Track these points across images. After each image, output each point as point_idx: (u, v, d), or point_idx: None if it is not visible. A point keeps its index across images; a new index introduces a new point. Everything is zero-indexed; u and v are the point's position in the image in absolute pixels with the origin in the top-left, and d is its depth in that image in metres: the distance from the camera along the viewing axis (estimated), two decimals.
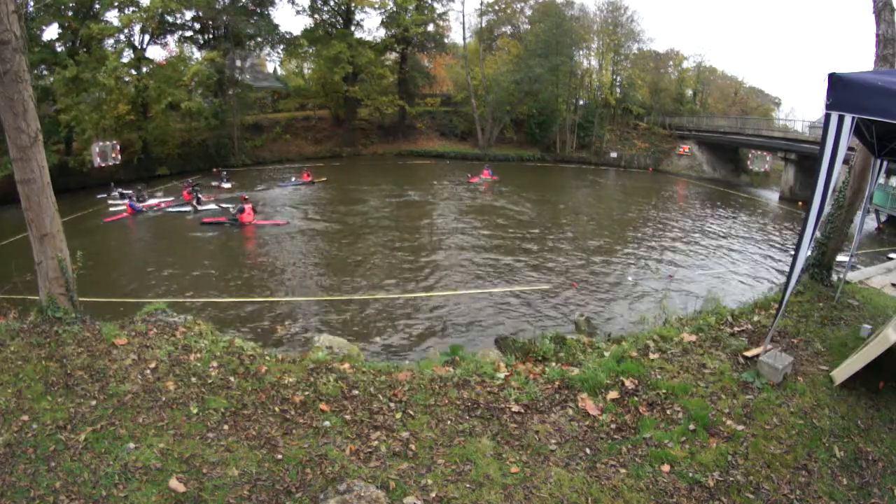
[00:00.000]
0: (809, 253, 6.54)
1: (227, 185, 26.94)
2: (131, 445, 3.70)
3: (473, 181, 30.14)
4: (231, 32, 33.67)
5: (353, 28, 39.99)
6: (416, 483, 3.61)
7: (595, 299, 13.21)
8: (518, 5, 48.16)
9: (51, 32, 28.12)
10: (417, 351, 9.83)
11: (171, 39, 34.98)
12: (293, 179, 28.69)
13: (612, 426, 4.24)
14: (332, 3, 40.08)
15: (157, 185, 27.43)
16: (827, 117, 3.87)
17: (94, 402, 4.06)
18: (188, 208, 21.51)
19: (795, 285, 5.76)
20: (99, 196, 23.08)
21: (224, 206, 21.96)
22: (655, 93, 47.39)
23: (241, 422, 4.08)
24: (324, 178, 29.94)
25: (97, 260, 14.40)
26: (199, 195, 21.90)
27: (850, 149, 4.64)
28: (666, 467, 3.79)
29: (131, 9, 29.70)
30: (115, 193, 22.91)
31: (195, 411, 4.11)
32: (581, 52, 45.72)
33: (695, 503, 3.54)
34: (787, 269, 6.75)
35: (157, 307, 5.62)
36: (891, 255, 14.66)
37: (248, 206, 19.28)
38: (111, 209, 21.54)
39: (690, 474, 3.73)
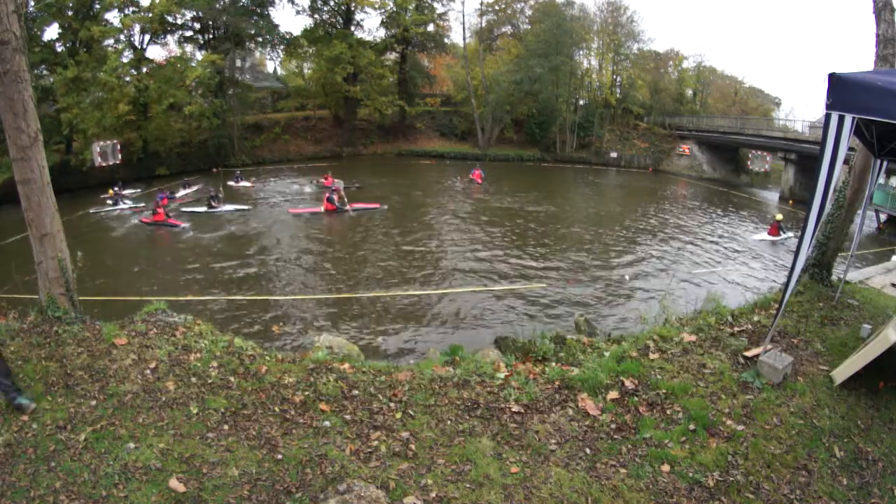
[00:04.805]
0: (809, 253, 6.53)
1: (246, 184, 26.98)
2: (131, 445, 3.70)
3: (473, 179, 30.33)
4: (231, 32, 33.65)
5: (353, 28, 39.97)
6: (416, 483, 3.61)
7: (595, 299, 13.22)
8: (518, 5, 48.12)
9: (51, 32, 28.16)
10: (417, 351, 9.83)
11: (172, 39, 35.00)
12: (314, 183, 27.70)
13: (612, 426, 4.24)
14: (332, 3, 40.04)
15: (156, 185, 27.41)
16: (827, 117, 3.87)
17: (94, 402, 4.06)
18: (203, 208, 21.70)
19: (795, 285, 5.75)
20: (102, 196, 23.07)
21: (241, 207, 22.09)
22: (655, 93, 47.36)
23: (241, 422, 4.07)
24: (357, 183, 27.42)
25: (97, 259, 14.40)
26: (213, 202, 21.91)
27: (851, 149, 4.63)
28: (666, 467, 3.79)
29: (131, 9, 29.69)
30: (120, 192, 22.95)
31: (195, 411, 4.11)
32: (581, 52, 45.72)
33: (695, 503, 3.54)
34: (786, 268, 6.75)
35: (157, 307, 5.61)
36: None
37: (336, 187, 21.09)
38: (107, 209, 21.64)
39: (690, 474, 3.72)
